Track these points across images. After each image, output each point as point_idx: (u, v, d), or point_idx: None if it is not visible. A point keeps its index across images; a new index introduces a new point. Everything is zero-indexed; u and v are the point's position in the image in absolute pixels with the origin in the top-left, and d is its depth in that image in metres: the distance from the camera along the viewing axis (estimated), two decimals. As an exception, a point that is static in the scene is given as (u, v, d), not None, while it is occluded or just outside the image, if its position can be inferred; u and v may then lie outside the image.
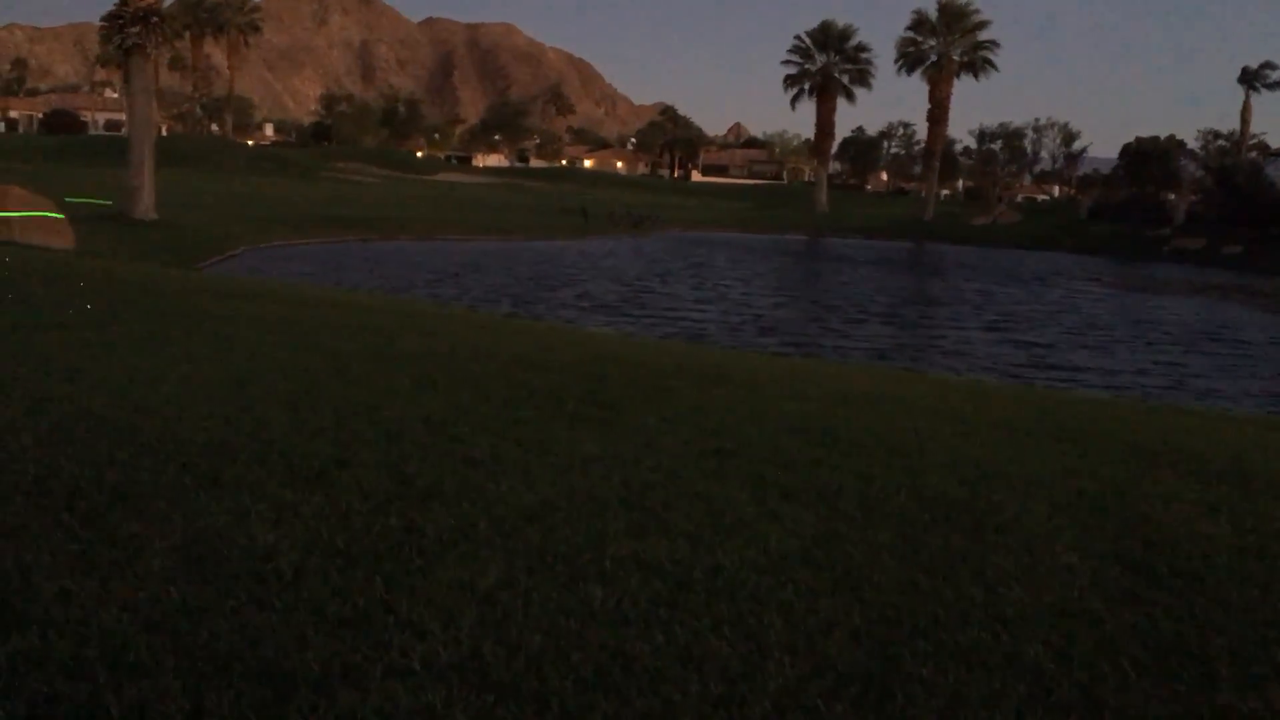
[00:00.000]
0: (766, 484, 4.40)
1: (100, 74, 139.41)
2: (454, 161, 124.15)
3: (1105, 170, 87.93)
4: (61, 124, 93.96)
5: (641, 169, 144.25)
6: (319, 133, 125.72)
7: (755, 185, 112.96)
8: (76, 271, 11.74)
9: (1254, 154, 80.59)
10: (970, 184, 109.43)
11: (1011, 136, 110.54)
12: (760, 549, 3.49)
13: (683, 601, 2.97)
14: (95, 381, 5.18)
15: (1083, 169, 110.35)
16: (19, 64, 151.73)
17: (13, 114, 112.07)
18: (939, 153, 74.48)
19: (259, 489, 3.60)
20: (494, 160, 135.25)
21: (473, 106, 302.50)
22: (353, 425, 4.72)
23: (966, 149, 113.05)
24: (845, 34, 76.66)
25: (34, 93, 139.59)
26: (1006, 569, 3.57)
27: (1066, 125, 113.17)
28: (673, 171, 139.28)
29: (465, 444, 4.58)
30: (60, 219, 20.72)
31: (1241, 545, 4.11)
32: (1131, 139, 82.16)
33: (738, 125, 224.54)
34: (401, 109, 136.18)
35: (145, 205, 29.39)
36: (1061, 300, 29.26)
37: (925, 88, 71.81)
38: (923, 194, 77.13)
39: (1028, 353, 18.24)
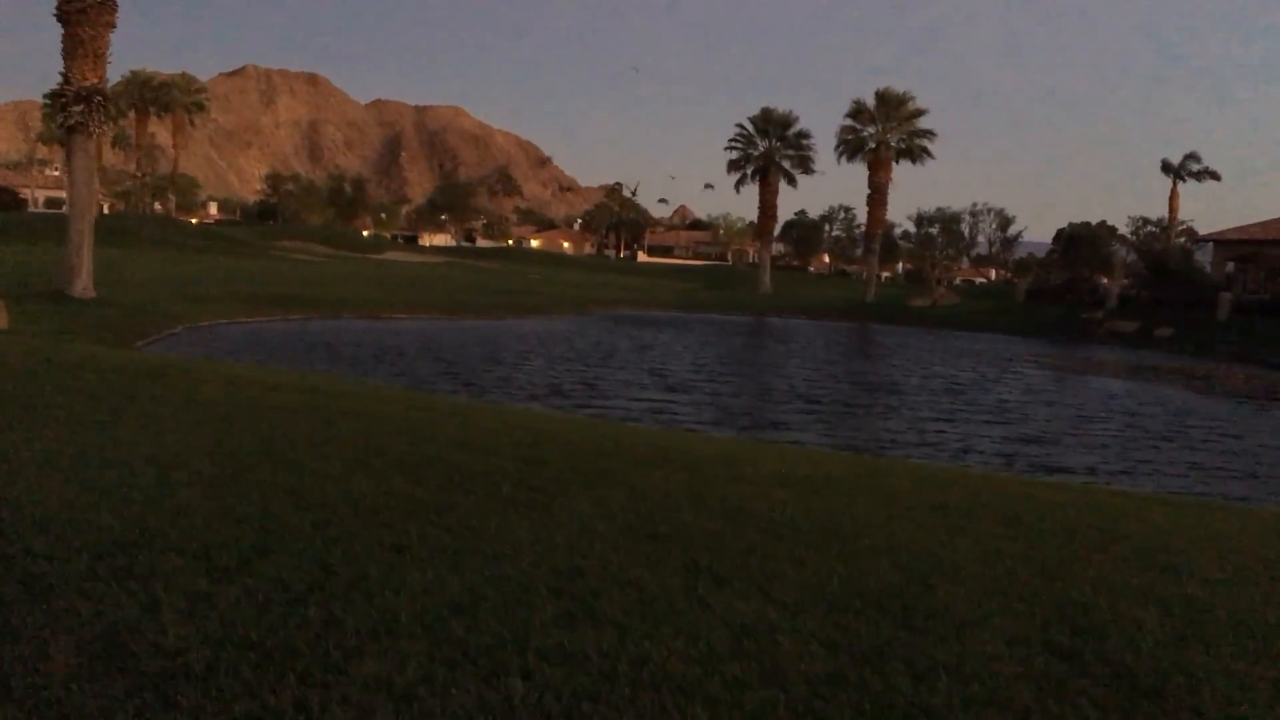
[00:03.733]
0: (700, 570, 4.36)
1: (42, 151, 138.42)
2: (400, 240, 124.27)
3: (1040, 254, 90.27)
4: (1, 201, 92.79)
5: (588, 249, 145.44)
6: (264, 211, 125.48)
7: (700, 266, 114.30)
8: (4, 353, 11.48)
9: (1182, 239, 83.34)
10: (910, 266, 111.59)
11: (949, 221, 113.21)
12: (689, 639, 3.44)
13: (606, 695, 2.91)
14: (14, 467, 5.03)
15: (1019, 253, 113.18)
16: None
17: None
18: (879, 236, 75.91)
19: (174, 580, 3.50)
20: (440, 240, 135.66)
21: (420, 187, 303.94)
22: (278, 511, 4.62)
23: (906, 232, 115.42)
24: (787, 121, 78.49)
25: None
26: (935, 658, 3.55)
27: (1002, 210, 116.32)
28: (619, 252, 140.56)
29: (394, 531, 4.50)
30: (-7, 297, 20.34)
31: (1170, 632, 4.14)
32: (1065, 224, 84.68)
33: (683, 207, 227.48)
34: (348, 188, 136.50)
35: (83, 283, 28.97)
36: (1000, 381, 29.71)
37: (865, 173, 73.50)
38: (864, 275, 78.48)
39: (968, 435, 18.41)
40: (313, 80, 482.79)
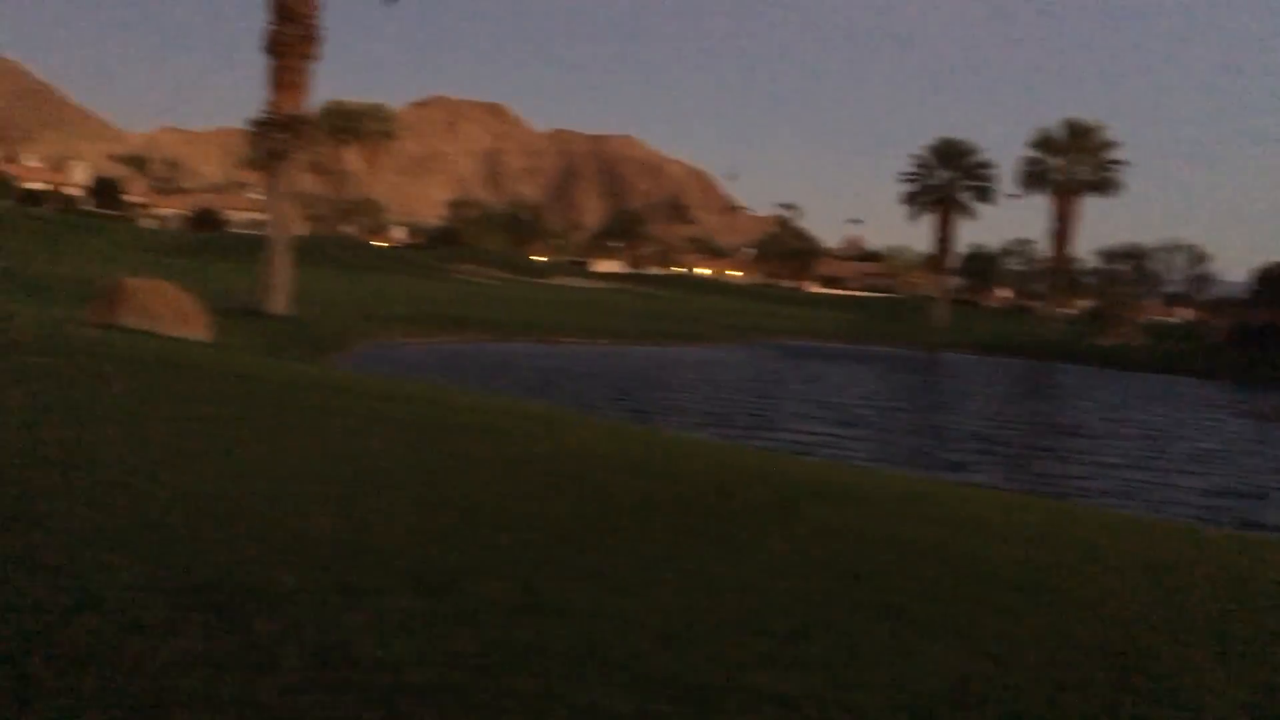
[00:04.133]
0: (902, 615, 4.21)
1: (243, 175, 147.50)
2: (572, 267, 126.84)
3: (1237, 293, 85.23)
4: (206, 221, 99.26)
5: (758, 278, 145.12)
6: (445, 236, 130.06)
7: (871, 298, 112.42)
8: (210, 364, 12.20)
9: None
10: (1094, 303, 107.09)
11: (1139, 257, 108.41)
12: (899, 688, 3.31)
13: (823, 742, 2.82)
14: (235, 477, 5.29)
15: (1213, 292, 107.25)
16: (171, 165, 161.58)
17: (162, 212, 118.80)
18: (1062, 271, 73.19)
19: (389, 595, 3.58)
20: (611, 266, 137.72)
21: (593, 214, 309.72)
22: (479, 531, 4.70)
23: (1092, 268, 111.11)
24: (967, 150, 76.56)
25: (183, 192, 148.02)
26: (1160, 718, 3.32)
27: (1196, 247, 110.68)
28: (788, 282, 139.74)
29: (591, 556, 4.52)
30: (198, 312, 21.65)
31: None
32: (1265, 261, 79.76)
33: (855, 237, 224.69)
34: (525, 215, 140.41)
35: (280, 301, 30.58)
36: (1195, 427, 28.03)
37: (1048, 204, 71.02)
38: (1044, 312, 75.64)
39: (1163, 484, 17.37)
40: (495, 110, 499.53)
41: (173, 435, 6.40)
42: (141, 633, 2.98)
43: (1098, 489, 16.38)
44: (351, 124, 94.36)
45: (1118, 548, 7.01)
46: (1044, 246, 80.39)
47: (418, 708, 2.70)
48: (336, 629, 3.19)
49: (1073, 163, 69.68)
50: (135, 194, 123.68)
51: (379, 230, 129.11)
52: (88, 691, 2.58)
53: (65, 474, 4.85)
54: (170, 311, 20.95)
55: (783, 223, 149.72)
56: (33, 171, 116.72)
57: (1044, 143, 70.35)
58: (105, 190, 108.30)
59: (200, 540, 4.00)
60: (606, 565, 4.38)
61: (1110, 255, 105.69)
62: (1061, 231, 70.75)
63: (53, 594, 3.21)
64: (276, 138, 30.68)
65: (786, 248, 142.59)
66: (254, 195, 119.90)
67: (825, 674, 3.35)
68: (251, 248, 53.29)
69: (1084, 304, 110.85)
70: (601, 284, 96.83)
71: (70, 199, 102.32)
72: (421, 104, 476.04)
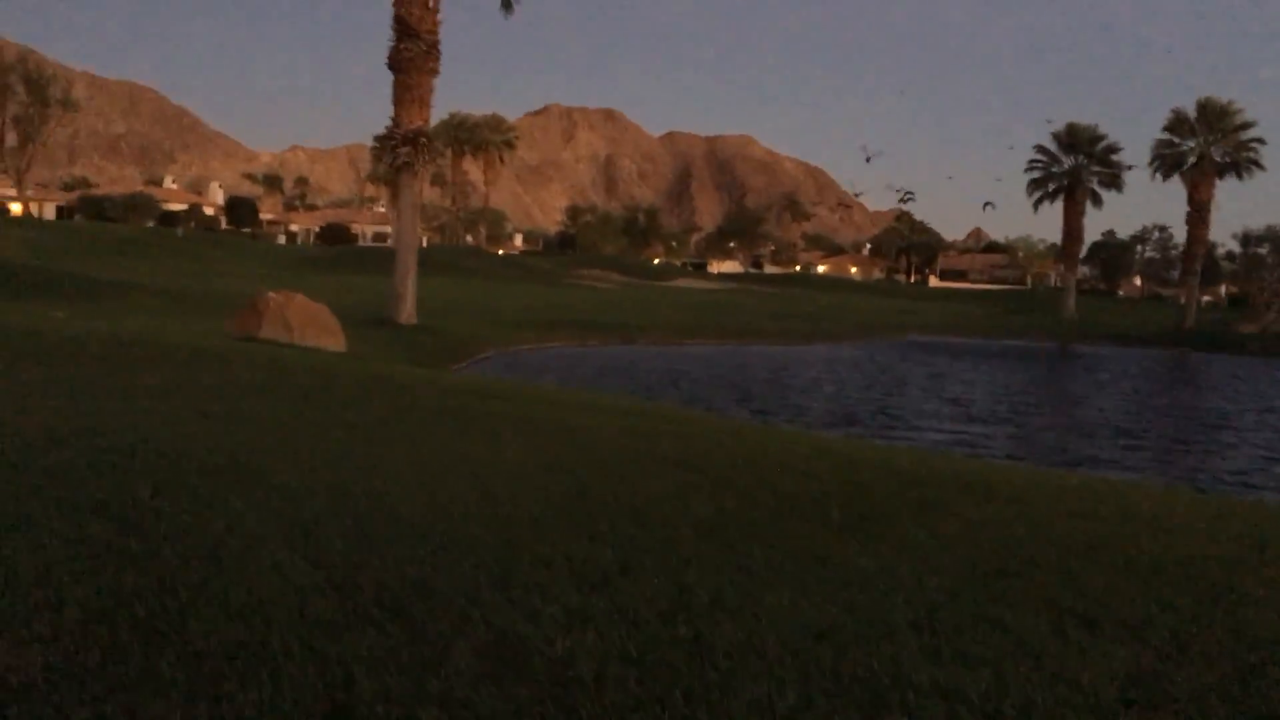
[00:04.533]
0: (1063, 610, 4.10)
1: (369, 190, 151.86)
2: (689, 268, 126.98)
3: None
4: (335, 236, 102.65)
5: (877, 274, 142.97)
6: (564, 241, 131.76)
7: (997, 290, 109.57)
8: (351, 372, 12.59)
9: None
10: (1235, 290, 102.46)
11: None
12: (1072, 686, 3.22)
13: (998, 739, 2.76)
14: (387, 478, 5.46)
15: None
16: (301, 182, 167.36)
17: (293, 227, 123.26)
18: (1199, 256, 70.21)
19: (548, 591, 3.65)
20: (729, 266, 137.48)
21: (709, 215, 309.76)
22: (626, 529, 4.74)
23: (1230, 253, 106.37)
24: (1094, 136, 74.09)
25: (312, 208, 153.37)
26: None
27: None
28: (909, 276, 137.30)
29: (738, 553, 4.52)
30: (334, 323, 22.36)
31: None
32: None
33: (978, 229, 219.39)
34: (641, 218, 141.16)
35: (408, 311, 31.42)
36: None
37: (1182, 189, 68.21)
38: (1182, 300, 72.64)
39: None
40: (609, 115, 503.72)
41: (322, 439, 6.63)
42: (318, 630, 3.10)
43: (1260, 483, 15.64)
44: (471, 135, 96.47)
45: (1274, 538, 6.68)
46: (1179, 232, 77.30)
47: (587, 701, 2.74)
48: (502, 623, 3.26)
49: (1208, 144, 66.75)
50: (268, 211, 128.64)
51: (500, 239, 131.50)
52: (271, 688, 2.69)
53: (229, 478, 5.07)
54: (306, 323, 21.70)
55: (902, 216, 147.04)
56: (172, 193, 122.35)
57: (1178, 124, 67.61)
58: (239, 209, 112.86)
59: (363, 539, 4.14)
60: (753, 563, 4.37)
61: (1250, 239, 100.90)
62: (1197, 216, 67.85)
63: (230, 593, 3.36)
64: (401, 152, 31.57)
65: (906, 241, 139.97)
66: (380, 209, 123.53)
67: (991, 671, 3.28)
68: (379, 260, 54.93)
69: (1224, 290, 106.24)
70: (720, 284, 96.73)
71: (208, 218, 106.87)
72: (537, 113, 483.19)
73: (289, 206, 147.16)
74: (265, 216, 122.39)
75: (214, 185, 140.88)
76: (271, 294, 22.04)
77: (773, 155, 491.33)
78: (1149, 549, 5.69)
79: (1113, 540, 5.83)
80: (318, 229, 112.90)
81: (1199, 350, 55.30)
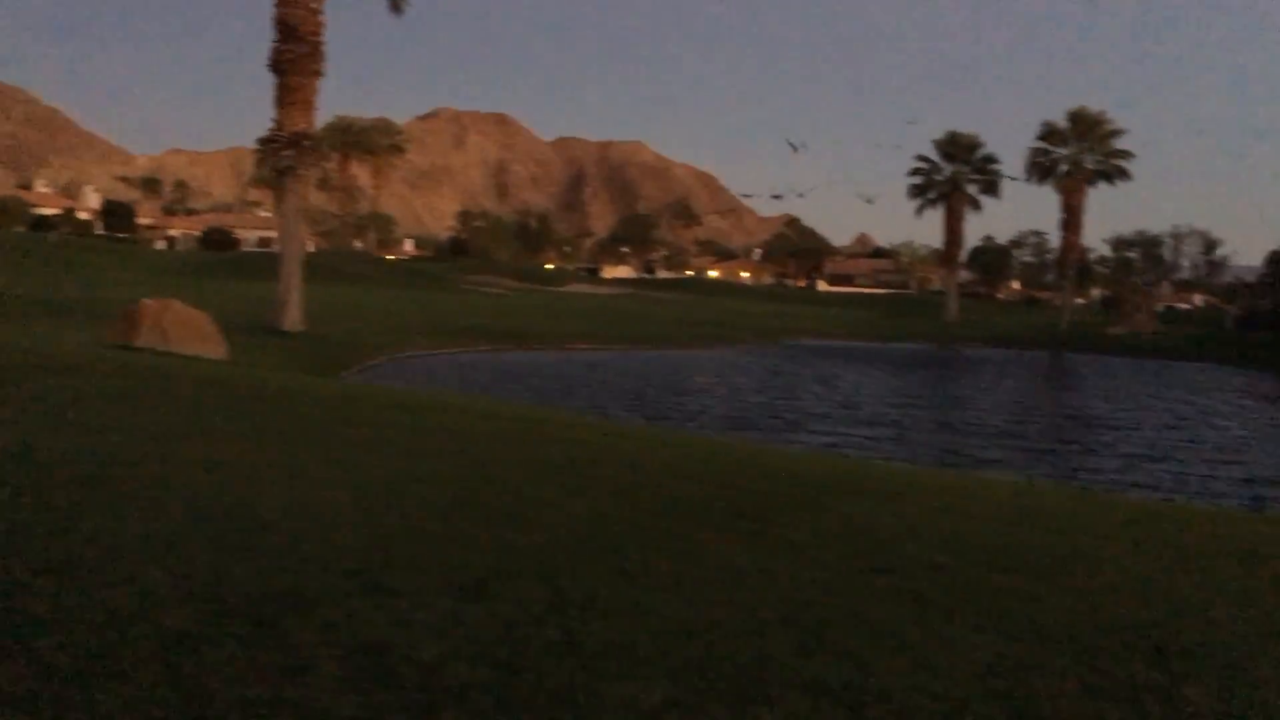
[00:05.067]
0: (929, 603, 4.23)
1: (253, 194, 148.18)
2: (582, 273, 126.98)
3: (1249, 278, 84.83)
4: (217, 241, 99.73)
5: (767, 279, 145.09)
6: (455, 247, 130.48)
7: (882, 294, 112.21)
8: (229, 380, 12.27)
9: None
10: (1106, 292, 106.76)
11: (1149, 244, 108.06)
12: (931, 674, 3.32)
13: (857, 728, 2.83)
14: (259, 487, 5.33)
15: (1226, 277, 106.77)
16: (180, 186, 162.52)
17: (173, 233, 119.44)
18: (1073, 261, 72.98)
19: (421, 598, 3.61)
20: (622, 272, 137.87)
21: (602, 220, 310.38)
22: (505, 535, 4.73)
23: (1102, 257, 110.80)
24: (973, 144, 76.42)
25: (193, 212, 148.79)
26: (1199, 701, 3.32)
27: (1207, 232, 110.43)
28: (798, 281, 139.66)
29: (617, 555, 4.54)
30: (214, 330, 21.76)
31: None
32: (1277, 246, 79.35)
33: (864, 235, 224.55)
34: (534, 223, 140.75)
35: (293, 317, 30.73)
36: (1223, 415, 27.88)
37: (1056, 196, 70.83)
38: (1057, 303, 75.44)
39: (1196, 475, 17.24)
40: (501, 120, 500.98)
41: (193, 449, 6.45)
42: (175, 642, 3.02)
43: (1130, 481, 16.26)
44: (359, 139, 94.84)
45: (1140, 530, 7.00)
46: (1055, 237, 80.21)
47: (452, 706, 2.72)
48: (370, 631, 3.22)
49: (1079, 152, 69.48)
50: (146, 216, 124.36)
51: (390, 244, 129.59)
52: (128, 703, 2.61)
53: (92, 490, 4.90)
54: (186, 331, 21.06)
55: (791, 222, 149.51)
56: (44, 197, 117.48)
57: (1050, 134, 70.17)
58: (116, 213, 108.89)
59: (228, 549, 4.04)
60: (630, 564, 4.40)
61: (1121, 243, 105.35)
62: (1070, 221, 70.55)
63: (86, 606, 3.25)
64: (284, 155, 30.85)
65: (795, 246, 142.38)
66: (264, 213, 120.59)
67: (854, 663, 3.36)
68: (264, 266, 53.59)
69: (1097, 293, 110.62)
70: (613, 290, 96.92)
71: (83, 223, 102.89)
72: (427, 117, 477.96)
73: (168, 211, 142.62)
74: (143, 221, 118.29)
75: (88, 189, 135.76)
76: (147, 301, 21.35)
77: (664, 161, 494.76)
78: (1015, 542, 5.91)
79: (981, 535, 6.04)
80: (199, 234, 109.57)
81: (1073, 351, 57.45)
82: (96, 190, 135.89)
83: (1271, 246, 71.97)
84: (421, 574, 3.92)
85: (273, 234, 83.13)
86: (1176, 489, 15.42)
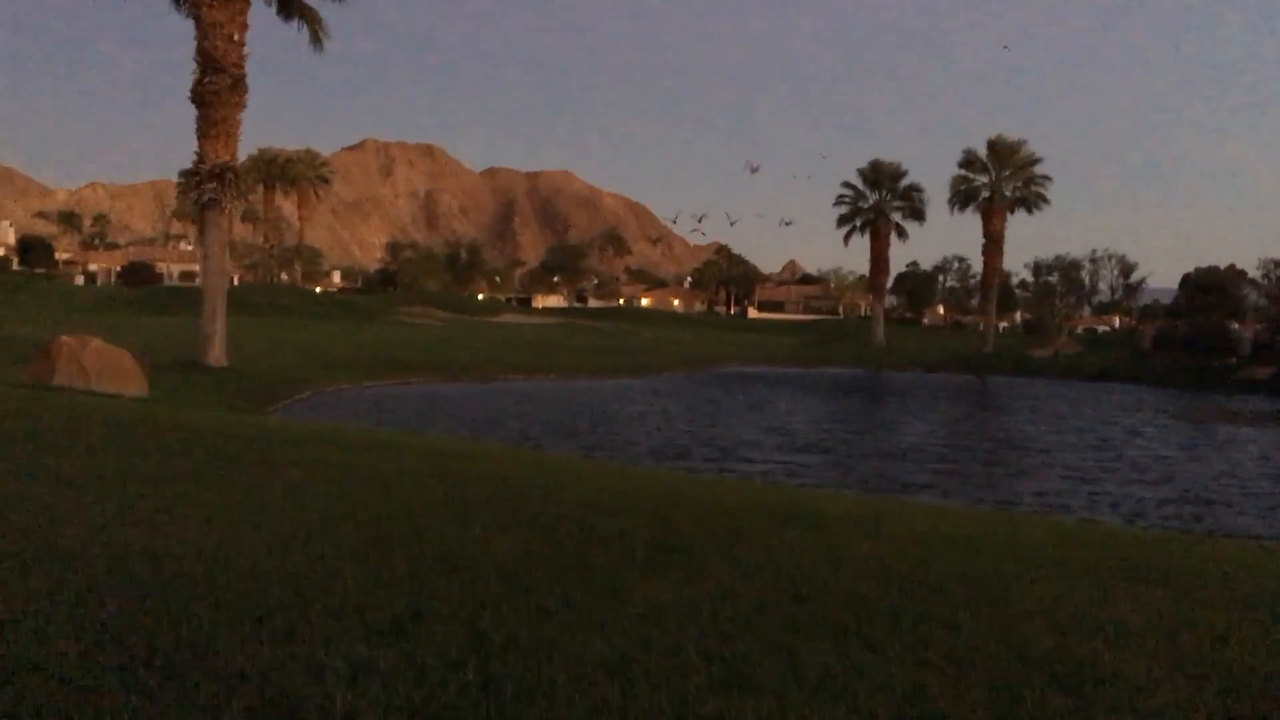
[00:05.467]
0: (849, 634, 4.26)
1: (176, 227, 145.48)
2: (514, 303, 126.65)
3: (1165, 300, 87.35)
4: (138, 276, 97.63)
5: (698, 306, 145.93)
6: (384, 278, 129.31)
7: (812, 321, 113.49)
8: (149, 419, 11.99)
9: (1320, 281, 79.62)
10: (1029, 316, 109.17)
11: (1068, 268, 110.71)
12: (850, 708, 3.34)
13: (774, 765, 2.84)
14: (173, 533, 5.21)
15: (1143, 299, 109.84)
16: (100, 219, 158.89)
17: (92, 267, 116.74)
18: (995, 285, 74.54)
19: (335, 644, 3.55)
20: (553, 301, 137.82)
21: (533, 250, 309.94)
22: (425, 576, 4.67)
23: (1023, 281, 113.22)
24: (896, 173, 77.96)
25: (114, 246, 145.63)
26: (1109, 727, 3.38)
27: (1124, 256, 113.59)
28: (729, 308, 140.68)
29: (538, 594, 4.51)
30: (134, 368, 21.28)
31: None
32: (1190, 269, 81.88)
33: (792, 262, 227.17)
34: (464, 254, 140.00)
35: (217, 353, 30.18)
36: (1142, 434, 28.58)
37: (979, 222, 72.37)
38: (981, 327, 76.95)
39: (1120, 495, 17.61)
40: (429, 151, 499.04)
41: (108, 494, 6.28)
42: (77, 696, 2.93)
43: (1064, 503, 16.48)
44: (284, 171, 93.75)
45: (1063, 554, 7.12)
46: (977, 263, 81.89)
47: (364, 756, 2.68)
48: (280, 680, 3.16)
49: (999, 180, 71.12)
50: (64, 251, 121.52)
51: (317, 276, 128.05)
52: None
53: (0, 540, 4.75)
54: (104, 368, 20.60)
55: (721, 250, 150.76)
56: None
57: (971, 162, 71.77)
58: (33, 249, 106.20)
59: (139, 600, 3.93)
60: (551, 602, 4.37)
61: (1041, 268, 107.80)
62: (992, 247, 72.10)
63: (-14, 664, 3.14)
64: (207, 188, 30.39)
65: (725, 274, 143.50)
66: (187, 247, 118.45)
67: (774, 698, 3.37)
68: (187, 300, 52.65)
69: (1019, 317, 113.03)
70: (545, 319, 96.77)
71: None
72: (353, 148, 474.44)
73: (88, 245, 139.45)
74: (62, 256, 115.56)
75: (4, 224, 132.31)
76: (65, 338, 20.83)
77: (593, 190, 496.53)
78: (936, 568, 5.98)
79: (903, 562, 6.10)
80: (119, 269, 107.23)
81: (998, 374, 58.59)
82: (12, 225, 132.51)
83: (1185, 269, 74.26)
84: (336, 619, 3.86)
85: (196, 268, 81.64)
86: (1105, 510, 15.74)
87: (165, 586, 4.16)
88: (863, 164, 79.17)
